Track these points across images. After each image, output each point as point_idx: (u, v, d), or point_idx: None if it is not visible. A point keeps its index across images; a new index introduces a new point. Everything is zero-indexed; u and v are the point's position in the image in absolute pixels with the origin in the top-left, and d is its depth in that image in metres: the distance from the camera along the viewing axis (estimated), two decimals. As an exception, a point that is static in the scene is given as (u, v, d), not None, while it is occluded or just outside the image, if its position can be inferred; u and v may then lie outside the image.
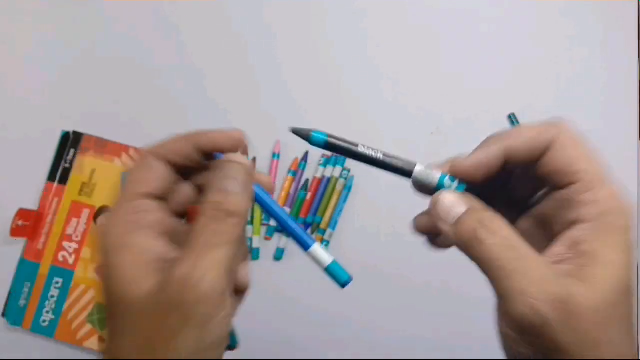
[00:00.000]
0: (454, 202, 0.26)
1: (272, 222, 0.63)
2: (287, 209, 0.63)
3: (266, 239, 0.63)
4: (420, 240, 0.34)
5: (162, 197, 0.28)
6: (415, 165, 0.30)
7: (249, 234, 0.62)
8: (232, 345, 0.37)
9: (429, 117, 0.65)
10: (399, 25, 0.67)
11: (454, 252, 0.29)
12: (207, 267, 0.24)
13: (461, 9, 0.67)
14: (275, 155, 0.64)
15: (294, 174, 0.63)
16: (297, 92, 0.65)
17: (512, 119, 0.65)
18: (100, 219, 0.32)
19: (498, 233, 0.24)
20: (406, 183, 0.65)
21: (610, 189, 0.26)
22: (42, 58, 0.65)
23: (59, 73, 0.65)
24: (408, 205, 0.62)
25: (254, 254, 0.62)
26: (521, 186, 0.28)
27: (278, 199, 0.63)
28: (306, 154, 0.64)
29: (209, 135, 0.28)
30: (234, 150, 0.28)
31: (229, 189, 0.26)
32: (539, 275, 0.23)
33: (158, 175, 0.28)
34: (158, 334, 0.23)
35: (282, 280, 0.61)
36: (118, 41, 0.66)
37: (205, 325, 0.23)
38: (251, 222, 0.62)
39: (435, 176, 0.29)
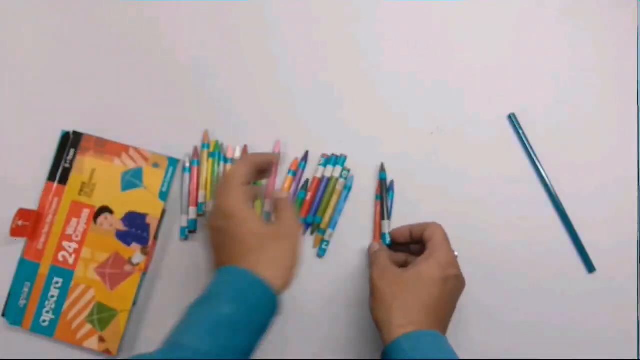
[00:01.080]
0: (374, 245, 0.61)
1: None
2: None
3: None
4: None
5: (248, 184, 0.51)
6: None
7: None
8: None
9: (429, 117, 0.65)
10: (398, 24, 0.67)
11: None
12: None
13: (461, 9, 0.67)
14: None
15: (294, 174, 0.63)
16: (296, 93, 0.65)
17: (512, 119, 0.65)
18: (217, 189, 0.51)
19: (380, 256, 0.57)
20: (407, 184, 0.65)
21: (445, 245, 0.55)
22: (42, 58, 0.65)
23: (59, 73, 0.65)
24: (407, 205, 0.63)
25: None
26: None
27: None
28: (306, 153, 0.64)
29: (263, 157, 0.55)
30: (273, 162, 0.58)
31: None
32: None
33: (250, 172, 0.51)
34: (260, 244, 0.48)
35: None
36: (118, 41, 0.66)
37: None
38: None
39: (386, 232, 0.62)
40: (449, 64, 0.66)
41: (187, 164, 0.63)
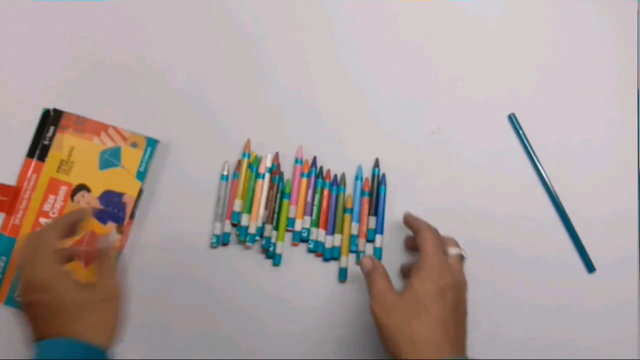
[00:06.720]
0: (366, 264, 0.53)
1: (297, 227, 0.61)
2: (308, 218, 0.62)
3: (294, 245, 0.62)
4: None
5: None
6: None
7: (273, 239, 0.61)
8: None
9: (429, 117, 0.65)
10: (399, 25, 0.67)
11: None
12: None
13: (462, 10, 0.67)
14: (298, 161, 0.63)
15: (308, 176, 0.62)
16: (298, 94, 0.65)
17: (512, 119, 0.64)
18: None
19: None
20: (407, 184, 0.63)
21: (435, 253, 0.51)
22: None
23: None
24: (406, 205, 0.61)
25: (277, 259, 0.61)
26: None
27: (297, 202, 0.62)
28: (314, 159, 0.63)
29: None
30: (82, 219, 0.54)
31: None
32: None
33: (59, 236, 0.50)
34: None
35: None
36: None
37: None
38: (276, 228, 0.61)
39: None
40: (449, 64, 0.66)
41: (225, 172, 0.62)
